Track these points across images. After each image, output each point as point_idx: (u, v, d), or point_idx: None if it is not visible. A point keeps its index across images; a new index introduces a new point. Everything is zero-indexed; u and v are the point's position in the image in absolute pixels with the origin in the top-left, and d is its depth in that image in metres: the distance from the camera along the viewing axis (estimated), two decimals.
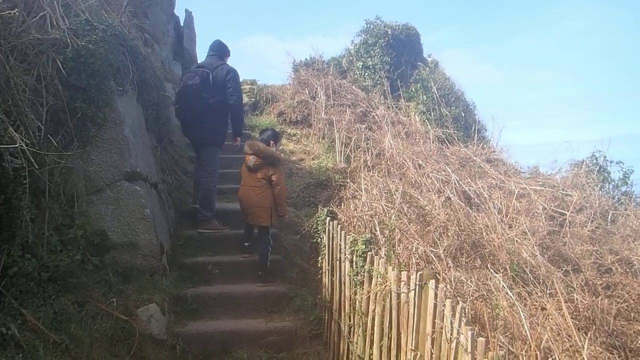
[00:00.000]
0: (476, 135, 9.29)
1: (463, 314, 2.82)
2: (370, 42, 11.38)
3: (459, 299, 3.54)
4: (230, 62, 6.48)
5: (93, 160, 4.47)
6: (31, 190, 3.63)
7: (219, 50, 6.32)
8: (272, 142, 5.72)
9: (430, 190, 6.50)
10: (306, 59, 11.62)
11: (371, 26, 11.58)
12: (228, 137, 6.47)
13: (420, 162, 7.28)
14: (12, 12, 3.80)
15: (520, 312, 3.71)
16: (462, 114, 10.04)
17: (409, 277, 3.42)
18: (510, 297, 3.98)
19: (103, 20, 4.83)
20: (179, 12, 11.00)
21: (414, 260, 4.35)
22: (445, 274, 4.15)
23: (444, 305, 2.96)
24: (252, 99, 10.55)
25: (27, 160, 3.50)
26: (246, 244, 5.73)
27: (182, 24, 11.17)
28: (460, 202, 6.26)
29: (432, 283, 3.13)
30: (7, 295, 3.34)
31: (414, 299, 3.28)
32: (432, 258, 4.38)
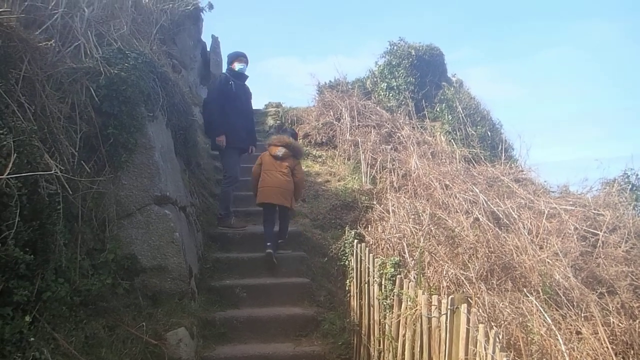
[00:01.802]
0: (503, 154, 9.18)
1: (497, 340, 2.75)
2: (394, 63, 11.42)
3: (492, 323, 3.46)
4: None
5: (124, 184, 4.55)
6: (65, 215, 3.70)
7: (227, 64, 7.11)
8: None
9: (458, 211, 6.42)
10: (330, 80, 11.72)
11: (395, 47, 11.63)
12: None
13: (447, 183, 7.21)
14: (49, 43, 3.92)
15: (558, 337, 3.61)
16: (489, 133, 9.95)
17: (440, 301, 3.35)
18: (547, 321, 3.87)
19: (134, 49, 4.97)
20: (206, 38, 11.24)
21: (444, 284, 4.28)
22: (477, 297, 4.06)
23: (477, 331, 2.90)
24: (278, 121, 10.66)
25: (61, 186, 3.58)
26: (268, 244, 5.91)
27: (208, 49, 11.41)
28: (489, 223, 6.16)
29: (464, 307, 3.07)
30: (41, 320, 3.39)
31: (446, 323, 3.21)
32: (463, 281, 4.31)
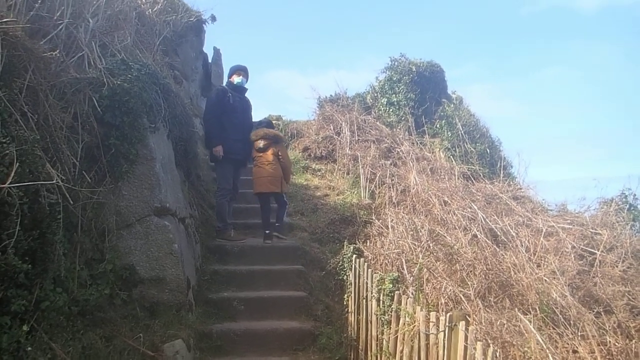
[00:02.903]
0: (502, 171, 9.22)
1: (495, 358, 2.76)
2: (394, 78, 11.50)
3: (490, 341, 3.45)
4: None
5: (124, 195, 4.56)
6: (64, 224, 3.70)
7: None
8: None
9: (457, 227, 6.43)
10: (331, 95, 11.78)
11: (395, 63, 11.72)
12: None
13: (446, 199, 7.23)
14: (53, 53, 3.94)
15: (550, 356, 3.60)
16: (488, 150, 10.00)
17: (438, 318, 3.36)
18: (540, 341, 3.86)
19: (137, 60, 5.00)
20: (208, 49, 11.31)
21: (442, 301, 4.28)
22: (475, 315, 4.06)
23: (475, 348, 2.90)
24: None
25: (62, 196, 3.59)
26: (267, 232, 6.64)
27: (210, 61, 11.46)
28: (487, 240, 6.17)
29: (462, 324, 3.08)
30: (39, 330, 3.37)
31: (444, 340, 3.21)
32: (461, 298, 4.30)
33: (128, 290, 4.44)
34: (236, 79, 6.95)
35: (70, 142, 4.07)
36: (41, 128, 3.74)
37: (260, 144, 6.80)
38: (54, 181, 3.42)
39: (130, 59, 4.95)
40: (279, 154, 6.82)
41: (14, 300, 3.04)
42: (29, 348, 3.14)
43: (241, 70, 7.03)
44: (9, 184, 2.91)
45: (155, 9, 7.18)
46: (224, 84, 7.45)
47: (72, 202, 3.76)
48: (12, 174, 2.93)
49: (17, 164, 3.03)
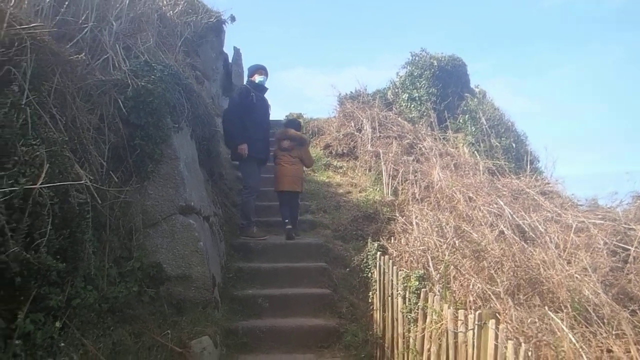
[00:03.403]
0: (528, 166, 9.07)
1: (527, 357, 2.71)
2: (415, 73, 11.42)
3: (520, 340, 3.39)
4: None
5: (150, 194, 4.61)
6: (93, 224, 3.75)
7: (248, 75, 7.31)
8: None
9: (483, 224, 6.34)
10: (351, 91, 11.77)
11: (416, 58, 11.63)
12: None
13: (471, 195, 7.14)
14: (79, 56, 4.00)
15: (584, 356, 3.53)
16: (513, 144, 9.87)
17: (466, 316, 3.32)
18: (572, 340, 3.79)
19: (160, 61, 5.05)
20: (228, 49, 11.37)
21: (470, 298, 4.22)
22: (506, 313, 3.99)
23: (506, 347, 2.86)
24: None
25: (90, 196, 3.64)
26: (286, 220, 6.78)
27: (230, 61, 11.53)
28: (515, 237, 6.07)
29: (492, 323, 3.04)
30: (71, 326, 3.43)
31: (473, 339, 3.18)
32: (490, 296, 4.24)
33: (155, 288, 4.49)
34: (258, 78, 6.99)
35: (97, 143, 4.13)
36: (69, 130, 3.80)
37: (286, 144, 7.05)
38: (83, 181, 3.46)
39: (153, 60, 5.00)
40: (303, 158, 7.12)
41: (47, 298, 3.10)
42: (62, 344, 3.20)
43: (262, 69, 7.08)
44: (40, 185, 2.96)
45: (176, 10, 7.24)
46: (244, 83, 7.51)
47: (100, 202, 3.81)
48: (43, 175, 2.98)
49: (47, 165, 3.08)
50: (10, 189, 2.68)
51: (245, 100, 6.74)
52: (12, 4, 3.47)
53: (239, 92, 6.98)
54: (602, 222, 6.63)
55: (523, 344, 2.88)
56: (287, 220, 6.75)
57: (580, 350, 3.60)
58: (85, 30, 4.40)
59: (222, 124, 7.02)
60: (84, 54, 4.18)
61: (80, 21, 4.42)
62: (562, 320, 4.20)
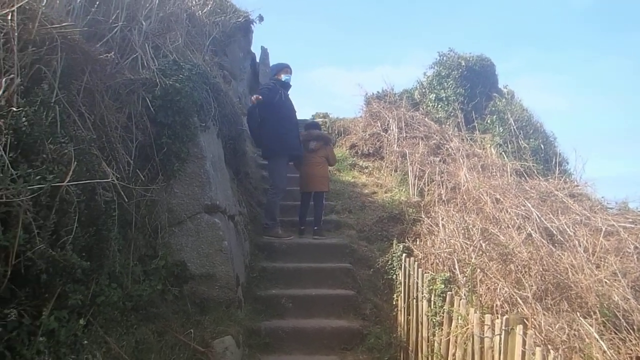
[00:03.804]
0: (557, 168, 8.86)
1: None
2: (443, 73, 11.29)
3: (549, 346, 3.31)
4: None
5: (176, 193, 4.64)
6: (119, 222, 3.79)
7: (272, 73, 7.36)
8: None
9: (510, 226, 6.22)
10: (377, 91, 11.69)
11: (444, 58, 11.50)
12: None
13: (498, 197, 7.01)
14: (108, 55, 4.04)
15: None
16: (542, 146, 9.66)
17: (493, 321, 3.24)
18: (603, 347, 3.67)
19: (188, 60, 5.08)
20: (255, 49, 11.41)
21: (497, 303, 4.14)
22: (534, 318, 3.90)
23: (534, 354, 2.78)
24: (325, 132, 10.67)
25: (117, 194, 3.67)
26: (302, 227, 7.00)
27: (257, 60, 11.57)
28: (542, 240, 5.93)
29: (519, 328, 2.96)
30: (94, 324, 3.46)
31: (500, 345, 3.10)
32: (518, 300, 4.15)
33: (179, 286, 4.52)
34: (284, 76, 7.05)
35: (125, 141, 4.17)
36: (97, 128, 3.85)
37: (313, 145, 7.16)
38: (110, 179, 3.50)
39: (182, 59, 5.03)
40: (328, 157, 7.26)
41: (72, 295, 3.13)
42: (85, 341, 3.22)
43: (287, 67, 7.16)
44: (67, 182, 2.99)
45: (205, 10, 7.28)
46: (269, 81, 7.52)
47: (126, 200, 3.85)
48: (71, 173, 3.01)
49: (75, 162, 3.11)
50: (38, 186, 2.71)
51: (274, 97, 6.75)
52: (44, 4, 3.53)
53: (267, 89, 6.95)
54: (632, 225, 6.43)
55: (552, 351, 2.80)
56: (302, 227, 7.04)
57: (610, 357, 3.49)
58: (115, 29, 4.45)
59: (248, 122, 7.04)
60: (113, 53, 4.24)
61: (111, 21, 4.47)
62: (591, 326, 4.08)
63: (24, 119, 2.84)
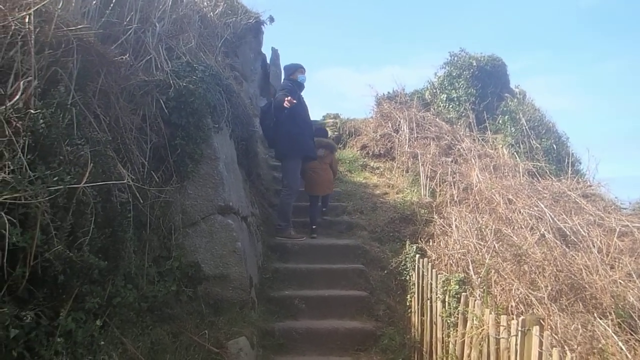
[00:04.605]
0: (570, 168, 8.78)
1: None
2: (454, 74, 11.24)
3: (565, 347, 3.28)
4: (308, 95, 6.91)
5: (190, 194, 4.66)
6: (134, 223, 3.81)
7: (286, 73, 7.31)
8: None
9: (523, 227, 6.18)
10: (388, 92, 11.64)
11: (455, 58, 11.45)
12: None
13: (511, 197, 6.96)
14: (123, 57, 4.07)
15: None
16: (554, 146, 9.58)
17: (509, 322, 3.22)
18: (622, 348, 3.64)
19: (201, 62, 5.10)
20: (266, 50, 11.42)
21: (512, 303, 4.11)
22: (550, 319, 3.87)
23: (551, 355, 2.76)
24: (335, 133, 10.68)
25: (132, 195, 3.70)
26: (313, 227, 7.00)
27: (268, 61, 11.58)
28: (556, 240, 5.89)
29: (536, 329, 2.94)
30: (111, 325, 3.49)
31: (516, 346, 3.08)
32: (533, 301, 4.12)
33: (193, 287, 4.53)
34: (300, 76, 7.06)
35: (139, 142, 4.20)
36: (112, 130, 3.87)
37: (321, 152, 7.23)
38: (125, 181, 3.52)
39: (195, 61, 5.05)
40: (332, 164, 7.45)
41: (89, 296, 3.15)
42: (102, 342, 3.24)
43: (302, 67, 7.15)
44: (84, 184, 3.01)
45: (216, 11, 7.31)
46: (283, 82, 7.54)
47: (141, 201, 3.88)
48: (87, 174, 3.04)
49: (91, 164, 3.13)
50: (55, 187, 2.73)
51: (293, 98, 6.74)
52: (60, 6, 3.56)
53: (287, 90, 6.85)
54: None
55: (568, 352, 2.77)
56: (314, 227, 7.08)
57: (626, 358, 3.46)
58: (130, 31, 4.48)
59: (262, 123, 7.06)
60: (127, 55, 4.26)
61: (125, 22, 4.50)
62: (607, 327, 4.04)
63: (41, 121, 2.87)
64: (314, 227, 7.00)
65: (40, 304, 2.80)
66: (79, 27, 3.54)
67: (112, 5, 4.30)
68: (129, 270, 3.72)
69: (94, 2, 4.10)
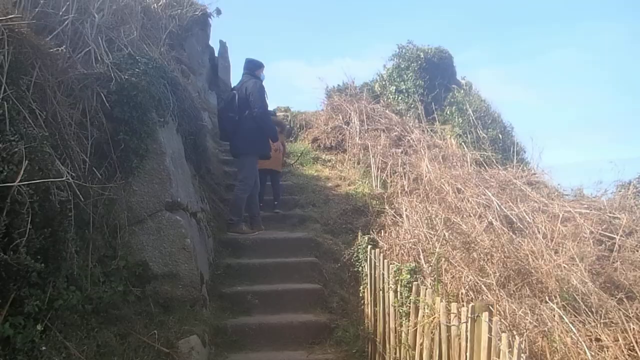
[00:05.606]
0: (515, 157, 9.07)
1: (522, 350, 2.67)
2: (403, 66, 11.40)
3: (514, 332, 3.37)
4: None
5: (135, 191, 4.51)
6: (76, 222, 3.66)
7: (249, 68, 6.88)
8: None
9: (471, 215, 6.33)
10: (339, 84, 11.69)
11: (403, 50, 11.61)
12: None
13: (459, 186, 7.12)
14: (60, 49, 3.88)
15: (585, 347, 3.52)
16: (500, 135, 9.88)
17: (459, 309, 3.27)
18: (572, 330, 3.78)
19: (144, 54, 4.94)
20: (214, 43, 11.22)
21: (462, 291, 4.19)
22: (499, 304, 3.97)
23: (500, 340, 2.81)
24: (287, 126, 10.61)
25: (72, 193, 3.54)
26: (260, 204, 7.09)
27: (216, 54, 11.39)
28: (503, 227, 6.06)
29: (485, 315, 2.99)
30: (53, 329, 3.34)
31: (466, 332, 3.13)
32: (483, 288, 4.21)
33: (141, 287, 4.40)
34: (262, 75, 6.91)
35: (80, 138, 4.03)
36: (50, 125, 3.69)
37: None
38: (64, 178, 3.37)
39: (137, 53, 4.89)
40: (283, 143, 7.67)
41: (27, 300, 3.01)
42: (44, 347, 3.12)
43: (263, 65, 6.97)
44: (18, 182, 2.86)
45: (160, 3, 7.11)
46: (237, 78, 7.42)
47: (82, 199, 3.72)
48: (22, 172, 2.88)
49: (27, 161, 2.98)
50: None
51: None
52: None
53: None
54: (587, 211, 6.65)
55: (517, 336, 2.84)
56: (261, 204, 7.16)
57: (576, 338, 3.59)
58: (66, 22, 4.30)
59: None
60: (64, 46, 4.08)
61: (61, 13, 4.32)
62: (553, 310, 4.19)
63: None
64: (260, 204, 7.09)
65: None
66: (10, 16, 3.35)
67: None
68: (71, 271, 3.57)
69: None
